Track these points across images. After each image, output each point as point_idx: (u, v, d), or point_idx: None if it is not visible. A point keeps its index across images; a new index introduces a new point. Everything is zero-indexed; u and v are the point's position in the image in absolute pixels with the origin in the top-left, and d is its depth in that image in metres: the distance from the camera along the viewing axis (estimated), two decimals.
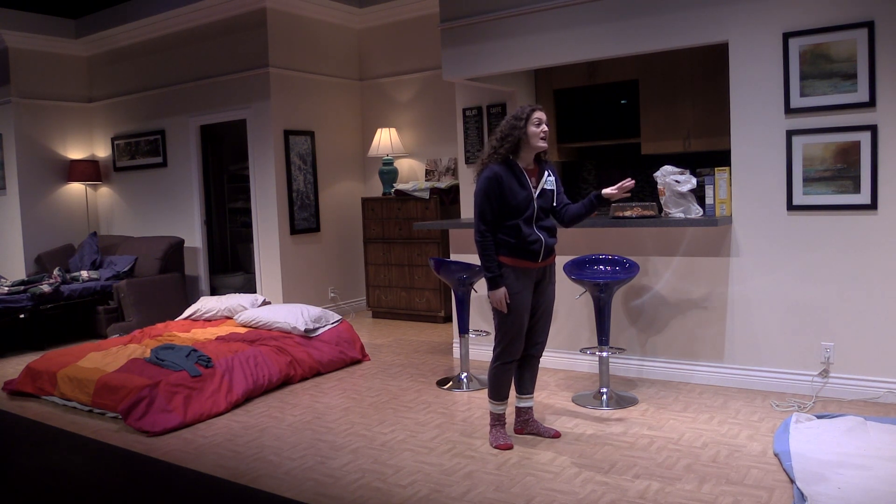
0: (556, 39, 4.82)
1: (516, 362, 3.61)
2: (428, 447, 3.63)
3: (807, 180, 4.09)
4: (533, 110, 3.48)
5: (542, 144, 3.48)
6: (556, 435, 3.68)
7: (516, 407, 3.78)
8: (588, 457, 3.40)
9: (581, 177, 6.68)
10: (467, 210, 6.45)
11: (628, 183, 3.50)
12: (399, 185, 7.05)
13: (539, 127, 3.46)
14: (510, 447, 3.56)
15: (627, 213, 4.60)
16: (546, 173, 3.56)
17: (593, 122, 6.21)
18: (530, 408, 3.77)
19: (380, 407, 4.34)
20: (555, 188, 3.57)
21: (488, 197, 3.42)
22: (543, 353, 3.73)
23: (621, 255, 4.40)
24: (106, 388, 4.32)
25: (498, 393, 3.62)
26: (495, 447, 3.57)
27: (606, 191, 3.52)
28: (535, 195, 3.47)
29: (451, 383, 4.73)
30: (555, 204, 3.56)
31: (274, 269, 7.07)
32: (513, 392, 3.74)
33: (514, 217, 3.43)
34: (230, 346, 4.87)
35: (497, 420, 3.66)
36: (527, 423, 3.76)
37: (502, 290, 3.43)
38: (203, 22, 7.33)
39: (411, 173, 7.46)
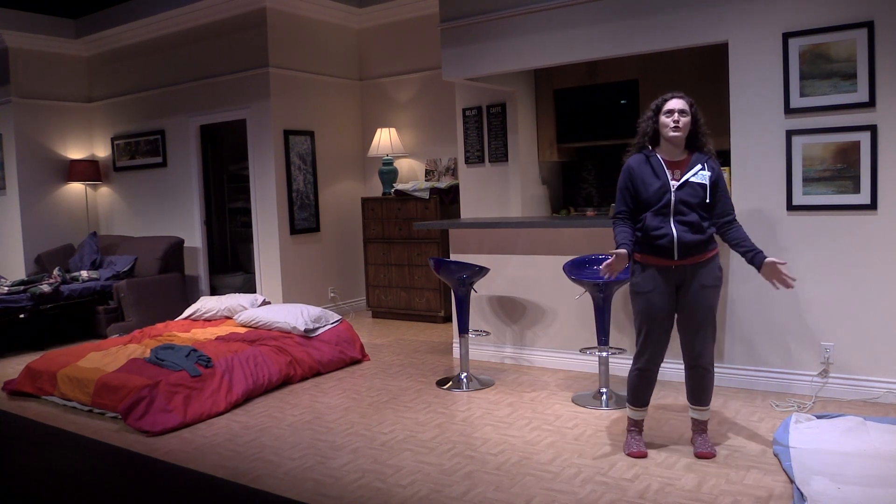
0: (556, 39, 4.82)
1: (653, 372, 3.35)
2: (428, 447, 3.63)
3: (806, 180, 4.09)
4: (665, 100, 3.25)
5: (673, 134, 3.20)
6: (707, 455, 3.31)
7: (691, 417, 3.46)
8: (588, 457, 3.40)
9: (581, 177, 6.68)
10: (467, 210, 6.46)
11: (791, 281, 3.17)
12: (399, 185, 7.05)
13: (671, 117, 3.20)
14: (644, 455, 3.34)
15: None
16: (699, 166, 3.23)
17: (593, 122, 6.20)
18: (699, 420, 3.40)
19: (380, 407, 4.34)
20: (708, 183, 3.22)
21: (622, 190, 3.32)
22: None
23: None
24: (106, 387, 4.32)
25: (633, 398, 3.40)
26: (627, 454, 3.37)
27: (770, 261, 3.17)
28: (675, 187, 3.21)
29: (450, 383, 4.73)
30: (708, 201, 3.22)
31: (274, 269, 7.07)
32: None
33: (645, 210, 3.26)
34: (230, 346, 4.87)
35: (633, 426, 3.45)
36: (694, 435, 3.44)
37: (613, 257, 3.19)
38: (203, 22, 7.33)
39: (411, 173, 7.46)
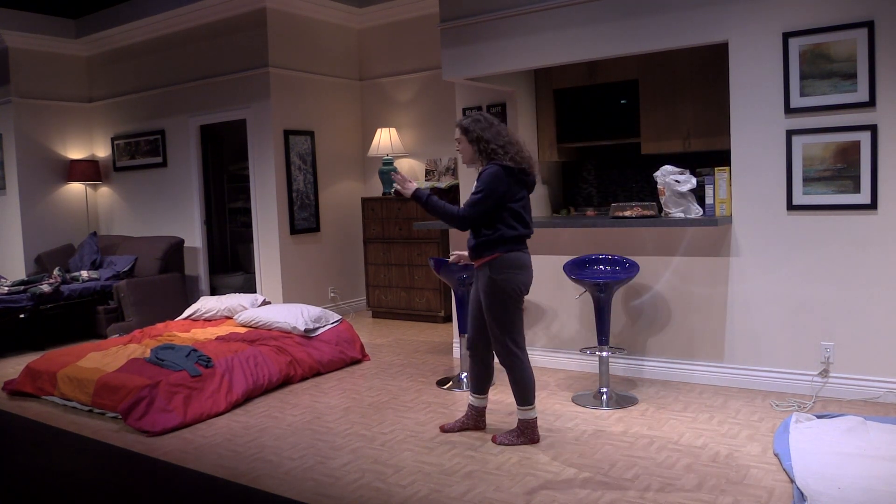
0: (556, 39, 4.82)
1: (476, 357, 3.77)
2: (428, 447, 3.63)
3: (807, 180, 4.09)
4: None
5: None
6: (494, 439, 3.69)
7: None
8: (588, 457, 3.40)
9: (581, 177, 6.68)
10: None
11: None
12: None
13: None
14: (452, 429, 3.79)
15: (627, 213, 4.60)
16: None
17: (593, 122, 6.20)
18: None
19: (380, 407, 4.34)
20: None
21: None
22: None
23: (621, 255, 4.40)
24: (106, 387, 4.32)
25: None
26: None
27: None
28: None
29: (450, 383, 4.73)
30: None
31: (274, 269, 7.07)
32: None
33: None
34: (230, 346, 4.87)
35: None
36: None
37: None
38: (203, 22, 7.33)
39: (411, 173, 7.45)
